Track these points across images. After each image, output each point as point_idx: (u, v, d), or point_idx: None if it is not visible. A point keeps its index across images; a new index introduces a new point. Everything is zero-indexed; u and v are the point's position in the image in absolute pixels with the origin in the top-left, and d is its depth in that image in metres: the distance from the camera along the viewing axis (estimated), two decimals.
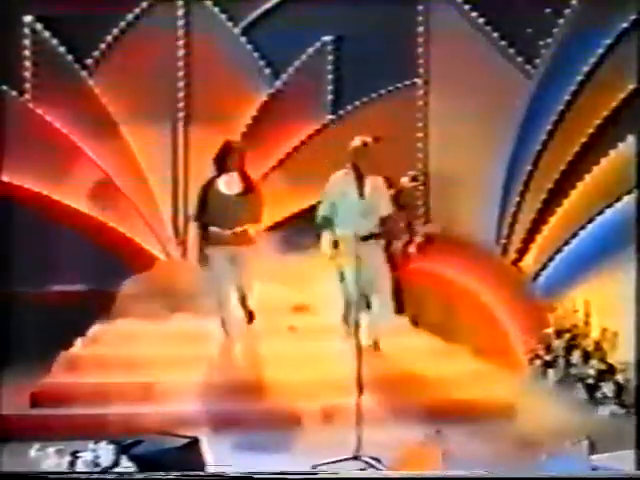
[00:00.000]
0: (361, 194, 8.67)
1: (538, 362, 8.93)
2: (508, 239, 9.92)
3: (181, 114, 10.49)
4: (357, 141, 8.65)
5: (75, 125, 10.34)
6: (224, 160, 8.75)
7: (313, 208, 8.78)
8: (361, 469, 6.92)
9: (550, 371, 8.84)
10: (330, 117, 10.51)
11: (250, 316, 8.79)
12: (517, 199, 9.91)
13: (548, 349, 8.92)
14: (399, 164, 9.65)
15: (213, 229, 8.66)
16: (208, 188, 8.74)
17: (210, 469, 5.97)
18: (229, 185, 8.73)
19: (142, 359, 8.56)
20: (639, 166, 9.01)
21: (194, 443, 6.04)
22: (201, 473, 5.85)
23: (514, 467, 5.49)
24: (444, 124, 10.03)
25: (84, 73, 10.49)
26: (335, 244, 8.51)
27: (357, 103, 10.44)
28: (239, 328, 8.71)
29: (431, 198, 9.82)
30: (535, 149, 9.84)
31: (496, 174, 9.91)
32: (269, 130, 10.38)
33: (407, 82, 10.36)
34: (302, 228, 9.51)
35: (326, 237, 8.59)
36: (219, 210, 8.66)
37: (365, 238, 8.42)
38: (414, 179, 9.74)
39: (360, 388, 7.25)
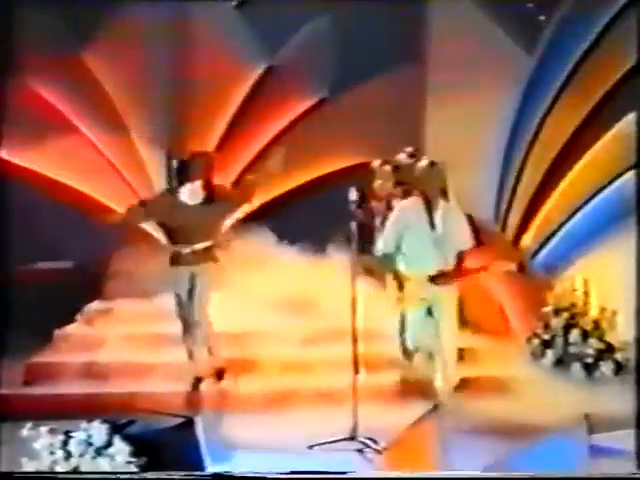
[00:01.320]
0: (432, 224, 7.75)
1: (536, 341, 8.84)
2: (507, 216, 9.91)
3: (176, 88, 10.37)
4: (424, 162, 7.93)
5: (68, 100, 10.30)
6: (186, 170, 8.12)
7: (308, 185, 8.73)
8: (357, 449, 6.94)
9: (548, 350, 8.76)
10: (327, 94, 10.42)
11: (220, 374, 8.11)
12: (516, 176, 9.87)
13: (546, 328, 8.86)
14: (397, 141, 9.50)
15: (174, 246, 8.08)
16: (167, 198, 8.20)
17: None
18: (191, 195, 8.11)
19: (137, 338, 8.54)
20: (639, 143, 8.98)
21: (188, 423, 6.21)
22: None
23: (514, 447, 5.49)
24: (443, 100, 9.94)
25: (78, 47, 10.37)
26: (400, 285, 7.66)
27: (354, 79, 10.31)
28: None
29: None
30: (535, 125, 9.81)
31: (495, 151, 9.88)
32: (264, 106, 10.31)
33: (406, 58, 10.23)
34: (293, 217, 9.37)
35: (390, 278, 7.75)
36: (179, 223, 8.05)
37: (435, 278, 7.66)
38: (412, 155, 9.47)
39: (356, 367, 7.21)
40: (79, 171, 10.29)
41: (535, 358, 8.77)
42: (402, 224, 7.77)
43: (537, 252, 9.65)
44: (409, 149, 9.23)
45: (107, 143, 10.39)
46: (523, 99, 9.85)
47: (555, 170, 9.71)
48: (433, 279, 7.61)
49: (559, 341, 8.75)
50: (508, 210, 9.91)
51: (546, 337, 8.83)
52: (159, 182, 10.33)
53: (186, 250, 8.02)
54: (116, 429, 5.87)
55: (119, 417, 6.06)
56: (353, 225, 7.32)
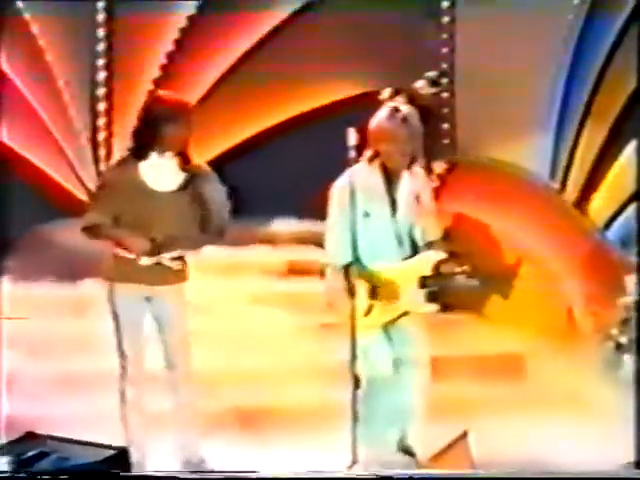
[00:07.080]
0: (393, 208, 7.26)
1: (610, 344, 8.96)
2: (568, 171, 9.88)
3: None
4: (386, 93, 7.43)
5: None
6: (157, 130, 7.04)
7: (291, 123, 8.54)
8: None
9: (626, 357, 8.82)
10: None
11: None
12: (580, 118, 9.89)
13: (623, 326, 8.89)
14: (414, 62, 9.61)
15: (122, 252, 7.08)
16: (120, 178, 7.14)
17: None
18: (161, 175, 7.14)
19: (56, 337, 8.57)
20: None
21: (121, 455, 6.04)
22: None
23: None
24: (479, 9, 9.82)
25: None
26: (372, 291, 7.10)
27: None
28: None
29: (458, 111, 9.69)
30: (606, 49, 9.81)
31: (552, 82, 9.91)
32: (232, 13, 10.19)
33: None
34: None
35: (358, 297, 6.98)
36: (137, 219, 7.08)
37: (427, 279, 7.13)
38: (434, 83, 9.39)
39: (356, 379, 6.99)
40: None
41: (608, 366, 8.88)
42: (348, 205, 7.03)
43: (611, 220, 9.67)
44: (431, 74, 9.17)
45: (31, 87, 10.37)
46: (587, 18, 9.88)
47: (633, 108, 9.65)
48: (424, 282, 7.05)
49: None
50: (570, 162, 9.92)
51: (623, 340, 8.91)
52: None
53: (145, 262, 7.10)
54: (21, 464, 5.90)
55: (25, 448, 6.05)
56: None
